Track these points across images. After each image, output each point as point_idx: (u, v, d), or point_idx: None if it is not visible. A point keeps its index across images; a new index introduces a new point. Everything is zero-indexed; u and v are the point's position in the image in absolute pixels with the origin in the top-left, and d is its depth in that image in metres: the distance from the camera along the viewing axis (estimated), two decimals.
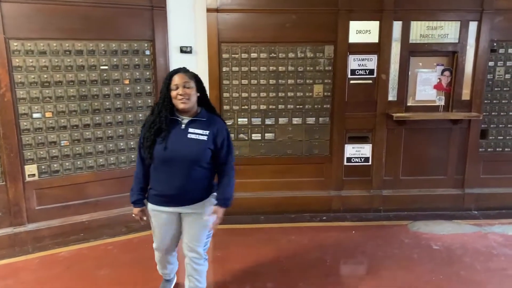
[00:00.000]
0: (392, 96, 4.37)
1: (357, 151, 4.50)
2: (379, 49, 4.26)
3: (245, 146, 4.43)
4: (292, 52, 4.25)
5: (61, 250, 3.71)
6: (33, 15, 3.54)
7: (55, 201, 3.90)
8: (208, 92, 4.12)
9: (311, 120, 4.40)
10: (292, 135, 4.43)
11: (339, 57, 4.26)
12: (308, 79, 4.32)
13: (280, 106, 4.36)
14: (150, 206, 2.54)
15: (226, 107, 4.33)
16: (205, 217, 2.46)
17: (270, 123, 4.39)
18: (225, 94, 4.30)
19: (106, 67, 3.89)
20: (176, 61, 4.09)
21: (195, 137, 2.37)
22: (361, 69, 4.32)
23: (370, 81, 4.35)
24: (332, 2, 4.13)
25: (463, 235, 3.99)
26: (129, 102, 4.02)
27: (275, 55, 4.25)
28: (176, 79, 2.35)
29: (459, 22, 4.25)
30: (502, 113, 4.47)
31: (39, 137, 3.75)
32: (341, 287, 3.14)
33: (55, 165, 3.84)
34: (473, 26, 4.25)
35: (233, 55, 4.23)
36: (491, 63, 4.35)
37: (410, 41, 4.27)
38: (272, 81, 4.30)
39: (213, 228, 2.51)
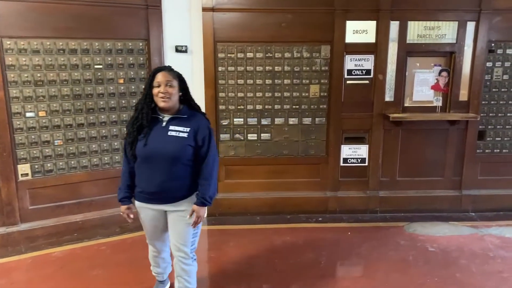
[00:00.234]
0: (389, 96, 4.35)
1: (353, 152, 4.48)
2: (376, 49, 4.23)
3: (241, 146, 4.41)
4: (288, 52, 4.22)
5: (54, 250, 3.69)
6: (26, 13, 3.52)
7: (49, 201, 3.88)
8: (203, 92, 4.20)
9: (307, 121, 4.38)
10: (288, 135, 4.40)
11: (335, 57, 4.23)
12: (305, 79, 4.29)
13: (276, 106, 4.34)
14: (138, 204, 2.56)
15: (222, 107, 4.31)
16: (187, 217, 2.47)
17: (266, 123, 4.37)
18: (221, 94, 4.28)
19: (100, 66, 3.86)
20: (172, 60, 4.05)
21: (175, 134, 2.38)
22: (358, 69, 4.29)
23: (367, 82, 4.32)
24: (328, 1, 4.11)
25: (460, 237, 3.96)
26: (123, 101, 4.00)
27: (271, 55, 4.22)
28: (159, 77, 2.36)
29: (457, 22, 4.21)
30: (500, 114, 4.44)
31: (33, 137, 3.73)
32: None
33: (48, 165, 3.82)
34: (471, 26, 4.22)
35: (229, 55, 4.20)
36: (489, 64, 4.32)
37: (407, 41, 4.24)
38: (268, 81, 4.28)
39: (194, 227, 2.50)
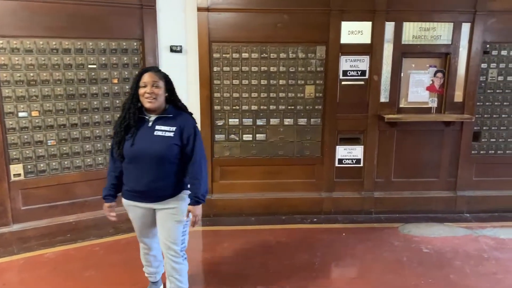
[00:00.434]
0: (384, 97, 4.34)
1: (348, 153, 4.47)
2: (371, 50, 4.23)
3: (236, 147, 4.39)
4: (283, 52, 4.21)
5: (47, 251, 3.66)
6: (19, 12, 3.49)
7: (42, 201, 3.85)
8: (198, 92, 4.17)
9: (302, 121, 4.37)
10: (284, 136, 4.39)
11: (331, 57, 4.22)
12: (300, 80, 4.28)
13: (271, 107, 4.32)
14: (125, 202, 2.57)
15: (217, 107, 4.29)
16: (185, 218, 2.49)
17: (261, 123, 4.35)
18: (216, 94, 4.26)
19: (94, 66, 3.84)
20: (166, 60, 4.05)
21: (161, 134, 2.39)
22: (353, 70, 4.28)
23: (362, 82, 4.31)
24: (324, 2, 4.10)
25: (454, 238, 3.96)
26: (117, 101, 3.98)
27: (266, 55, 4.21)
28: (146, 78, 2.38)
29: (452, 23, 4.21)
30: (494, 115, 4.44)
31: (25, 136, 3.70)
32: None
33: (41, 165, 3.80)
34: (466, 27, 4.22)
35: (224, 55, 4.19)
36: (484, 65, 4.32)
37: (403, 42, 4.23)
38: (263, 82, 4.26)
39: (193, 226, 2.52)
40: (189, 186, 2.51)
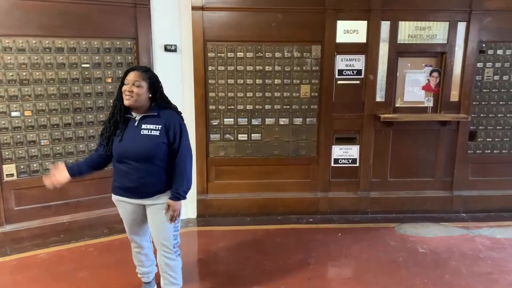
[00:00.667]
0: (380, 97, 4.33)
1: (344, 152, 4.45)
2: (367, 49, 4.21)
3: (231, 147, 4.37)
4: (278, 51, 4.19)
5: (40, 251, 3.62)
6: (11, 11, 3.46)
7: (35, 202, 3.82)
8: (193, 91, 4.14)
9: (298, 121, 4.35)
10: (279, 135, 4.37)
11: (326, 57, 4.20)
12: (295, 79, 4.26)
13: (266, 106, 4.30)
14: (115, 197, 2.59)
15: (212, 107, 4.27)
16: (164, 211, 2.51)
17: (256, 123, 4.33)
18: (211, 94, 4.24)
19: (87, 65, 3.81)
20: (161, 59, 4.02)
21: (147, 133, 2.42)
22: (349, 70, 4.26)
23: (358, 82, 4.29)
24: (319, 1, 4.08)
25: (450, 238, 3.94)
26: (111, 101, 3.85)
27: (261, 55, 4.19)
28: (130, 76, 2.41)
29: (448, 22, 4.20)
30: (491, 115, 4.43)
31: (18, 136, 3.67)
32: None
33: (34, 165, 3.76)
34: (461, 26, 4.21)
35: (218, 54, 4.16)
36: (479, 64, 4.31)
37: (398, 42, 4.22)
38: (258, 81, 4.24)
39: (171, 222, 2.52)
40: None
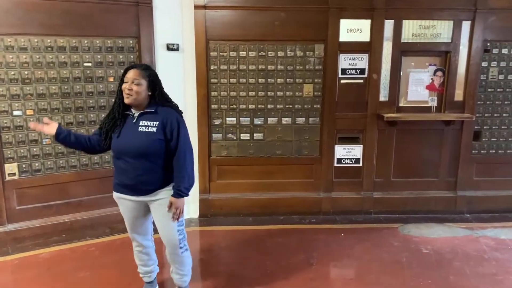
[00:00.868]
0: (383, 96, 4.29)
1: (347, 152, 4.42)
2: (370, 48, 4.18)
3: (234, 146, 4.35)
4: (281, 50, 4.17)
5: (41, 251, 3.62)
6: (13, 9, 3.44)
7: (36, 201, 3.81)
8: (195, 91, 4.13)
9: (300, 120, 4.32)
10: (282, 135, 4.35)
11: (329, 56, 4.17)
12: (298, 79, 4.23)
13: (269, 106, 4.28)
14: (116, 195, 2.60)
15: (214, 106, 4.25)
16: (167, 209, 2.52)
17: (259, 122, 4.31)
18: (213, 93, 4.22)
19: (89, 64, 3.80)
20: (163, 58, 4.00)
21: (145, 130, 2.43)
22: (352, 69, 4.23)
23: (361, 81, 4.26)
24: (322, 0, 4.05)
25: (454, 239, 3.91)
26: (113, 100, 3.91)
27: (264, 54, 4.17)
28: (129, 74, 2.43)
29: (452, 21, 4.16)
30: (495, 115, 4.39)
31: (20, 135, 3.66)
32: None
33: (36, 164, 3.75)
34: (466, 25, 4.17)
35: (221, 53, 4.14)
36: (484, 64, 4.27)
37: (402, 41, 4.19)
38: (261, 80, 4.22)
39: (173, 219, 2.53)
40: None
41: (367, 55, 4.20)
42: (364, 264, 3.43)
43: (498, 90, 4.35)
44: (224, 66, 4.17)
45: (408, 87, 4.32)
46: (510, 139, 4.43)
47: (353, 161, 4.44)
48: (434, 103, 4.36)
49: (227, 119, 4.28)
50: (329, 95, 4.25)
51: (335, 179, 4.47)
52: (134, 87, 2.38)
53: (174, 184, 2.50)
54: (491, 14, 4.14)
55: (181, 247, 2.64)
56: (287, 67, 4.20)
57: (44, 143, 3.76)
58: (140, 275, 2.91)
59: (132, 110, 2.50)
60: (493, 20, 4.16)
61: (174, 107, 2.56)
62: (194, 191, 4.31)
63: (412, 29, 4.18)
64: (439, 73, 4.30)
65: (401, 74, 4.29)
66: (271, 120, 4.30)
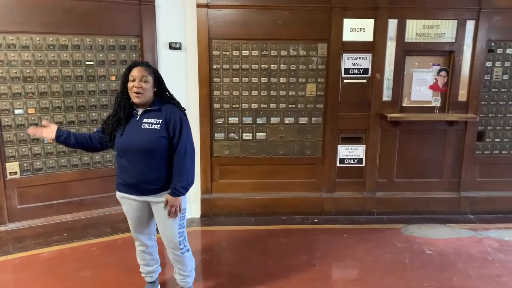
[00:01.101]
0: (386, 96, 4.27)
1: (350, 152, 4.40)
2: (374, 47, 4.16)
3: (236, 146, 4.33)
4: (284, 49, 4.15)
5: (42, 250, 3.60)
6: (15, 7, 3.43)
7: (38, 200, 3.80)
8: (197, 90, 4.11)
9: (303, 120, 4.30)
10: (284, 135, 4.32)
11: (332, 55, 4.15)
12: (301, 78, 4.21)
13: (272, 105, 4.26)
14: (119, 194, 2.58)
15: (216, 106, 4.23)
16: (167, 207, 2.49)
17: (261, 122, 4.29)
18: (216, 92, 4.20)
19: (91, 63, 3.78)
20: (165, 57, 3.99)
21: (148, 127, 2.40)
22: (355, 68, 4.21)
23: (364, 81, 4.24)
24: None
25: (458, 240, 3.88)
26: (115, 99, 3.90)
27: (267, 53, 4.14)
28: (135, 72, 2.39)
29: (456, 21, 4.14)
30: (499, 115, 4.36)
31: (21, 134, 3.65)
32: None
33: (38, 163, 3.74)
34: (470, 25, 4.14)
35: (223, 52, 4.12)
36: (488, 64, 4.24)
37: (406, 40, 4.16)
38: (263, 80, 4.20)
39: (169, 217, 2.51)
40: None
41: (370, 54, 4.17)
42: (367, 265, 3.41)
43: (502, 90, 4.32)
44: (226, 65, 4.15)
45: (411, 87, 4.30)
46: None
47: (355, 161, 4.41)
48: (437, 103, 4.33)
49: (230, 118, 4.26)
50: (332, 95, 4.23)
51: (338, 179, 4.44)
52: (143, 85, 2.36)
53: (173, 183, 2.46)
54: (495, 14, 4.11)
55: (181, 248, 2.62)
56: (290, 66, 4.18)
57: (46, 142, 3.74)
58: (142, 275, 2.89)
59: (135, 108, 2.47)
60: (498, 20, 4.13)
61: (177, 104, 2.54)
62: (196, 191, 4.30)
63: (416, 29, 4.15)
64: (443, 73, 4.27)
65: (405, 74, 4.27)
66: (274, 120, 4.28)
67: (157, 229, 2.73)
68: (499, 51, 4.23)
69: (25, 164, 3.70)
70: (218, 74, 4.16)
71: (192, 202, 4.28)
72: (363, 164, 4.42)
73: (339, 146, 4.37)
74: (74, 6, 3.60)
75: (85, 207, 3.98)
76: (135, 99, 2.38)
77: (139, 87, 2.35)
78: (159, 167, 2.43)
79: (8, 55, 3.49)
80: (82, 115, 3.83)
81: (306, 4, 4.03)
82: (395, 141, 4.37)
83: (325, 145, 4.35)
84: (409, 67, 4.26)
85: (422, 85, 4.30)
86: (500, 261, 3.47)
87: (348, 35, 4.13)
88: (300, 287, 3.06)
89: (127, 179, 2.47)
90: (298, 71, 4.19)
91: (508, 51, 4.23)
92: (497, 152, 4.43)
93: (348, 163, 4.42)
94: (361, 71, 4.21)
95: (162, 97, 2.50)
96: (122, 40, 3.86)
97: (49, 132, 2.44)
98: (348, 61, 4.19)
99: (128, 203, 2.57)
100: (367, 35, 4.14)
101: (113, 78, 3.88)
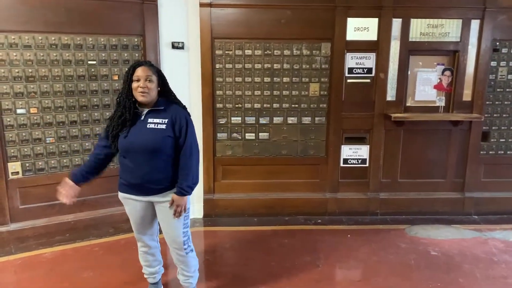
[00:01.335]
0: (390, 96, 4.24)
1: (354, 152, 4.37)
2: (378, 47, 4.13)
3: (239, 146, 4.30)
4: (287, 49, 4.12)
5: (45, 251, 3.59)
6: (17, 6, 3.41)
7: (40, 200, 3.77)
8: (200, 90, 4.09)
9: (306, 120, 4.27)
10: (287, 135, 4.30)
11: (336, 55, 4.13)
12: (304, 78, 4.19)
13: (275, 105, 4.23)
14: (121, 195, 2.56)
15: (219, 105, 4.20)
16: (173, 208, 2.48)
17: (264, 122, 4.26)
18: (218, 92, 4.18)
19: (94, 62, 3.76)
20: (168, 57, 3.96)
21: (154, 127, 2.39)
22: (359, 68, 4.18)
23: (368, 80, 4.21)
24: None
25: (463, 241, 3.85)
26: (117, 100, 3.88)
27: (270, 52, 4.12)
28: (139, 72, 2.37)
29: (461, 20, 4.11)
30: (504, 115, 4.33)
31: (23, 134, 3.63)
32: None
33: (40, 163, 3.72)
34: (475, 24, 4.11)
35: (226, 52, 4.10)
36: (493, 63, 4.21)
37: (410, 39, 4.13)
38: (266, 79, 4.17)
39: (175, 217, 2.49)
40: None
41: (374, 54, 4.15)
42: (371, 266, 3.38)
43: (507, 90, 4.29)
44: (229, 65, 4.13)
45: (415, 86, 4.27)
46: None
47: (359, 161, 4.39)
48: (442, 103, 4.30)
49: (232, 118, 4.24)
50: (335, 95, 4.20)
51: (341, 179, 4.42)
52: (148, 84, 2.34)
53: (178, 182, 2.45)
54: (500, 13, 4.08)
55: (185, 248, 2.60)
56: (293, 66, 4.15)
57: (48, 141, 3.72)
58: (145, 276, 2.87)
59: (139, 108, 2.45)
60: (503, 19, 4.10)
61: (181, 105, 2.53)
62: (199, 191, 4.27)
63: (420, 28, 4.12)
64: (447, 73, 4.24)
65: (409, 73, 4.24)
66: (277, 120, 4.26)
67: (159, 230, 2.70)
68: (504, 50, 4.20)
69: (27, 164, 3.68)
70: (221, 74, 4.14)
71: (194, 203, 4.26)
72: (367, 164, 4.39)
73: (342, 146, 4.34)
74: (76, 5, 3.58)
75: (88, 207, 3.95)
76: (140, 98, 2.35)
77: (145, 87, 2.33)
78: (164, 166, 2.42)
79: (10, 54, 3.47)
80: (84, 115, 3.81)
81: (310, 3, 4.01)
82: (399, 141, 4.34)
83: (328, 145, 4.32)
84: (413, 66, 4.24)
85: (426, 84, 4.27)
86: (505, 262, 3.44)
87: (351, 35, 4.10)
88: None
89: (131, 179, 2.45)
90: (301, 70, 4.17)
91: None
92: (502, 152, 4.40)
93: (351, 163, 4.39)
94: (365, 70, 4.19)
95: (166, 97, 2.49)
96: (125, 40, 3.84)
97: (72, 189, 2.48)
98: (351, 60, 4.17)
99: (131, 204, 2.54)
100: (371, 35, 4.12)
101: (116, 77, 3.86)
